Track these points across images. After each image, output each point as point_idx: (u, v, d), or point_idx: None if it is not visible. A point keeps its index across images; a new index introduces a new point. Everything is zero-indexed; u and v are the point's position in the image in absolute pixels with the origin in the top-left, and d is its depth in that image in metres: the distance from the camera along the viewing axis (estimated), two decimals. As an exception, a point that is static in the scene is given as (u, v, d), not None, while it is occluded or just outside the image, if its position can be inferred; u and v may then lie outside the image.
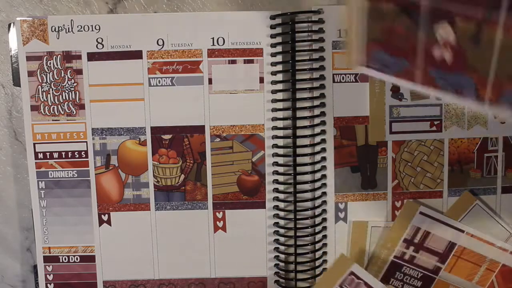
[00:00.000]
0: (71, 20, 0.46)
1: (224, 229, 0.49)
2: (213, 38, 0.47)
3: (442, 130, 0.48)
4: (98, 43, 0.47)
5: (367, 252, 0.49)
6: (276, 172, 0.48)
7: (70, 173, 0.48)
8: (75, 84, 0.47)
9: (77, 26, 0.46)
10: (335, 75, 0.47)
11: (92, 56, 0.47)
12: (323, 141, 0.47)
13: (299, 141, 0.47)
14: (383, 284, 0.46)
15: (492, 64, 0.28)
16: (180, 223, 0.49)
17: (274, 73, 0.47)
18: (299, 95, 0.47)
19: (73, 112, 0.48)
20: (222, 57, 0.47)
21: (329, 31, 0.46)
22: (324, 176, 0.48)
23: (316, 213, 0.48)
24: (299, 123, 0.47)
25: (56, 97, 0.47)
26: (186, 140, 0.48)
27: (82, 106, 0.48)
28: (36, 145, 0.48)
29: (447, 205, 0.49)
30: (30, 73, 0.47)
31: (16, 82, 0.48)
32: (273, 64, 0.47)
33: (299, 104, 0.47)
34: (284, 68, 0.47)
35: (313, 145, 0.47)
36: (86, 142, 0.48)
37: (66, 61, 0.47)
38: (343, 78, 0.47)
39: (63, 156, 0.48)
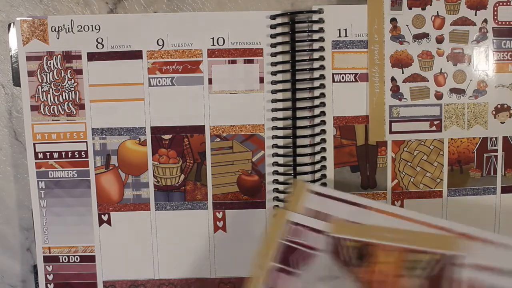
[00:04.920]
0: (71, 20, 0.46)
1: (224, 229, 0.49)
2: (213, 38, 0.47)
3: (442, 130, 0.48)
4: (98, 43, 0.47)
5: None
6: (276, 172, 0.48)
7: (70, 173, 0.48)
8: (75, 84, 0.47)
9: (77, 26, 0.46)
10: (335, 75, 0.47)
11: (92, 56, 0.47)
12: (323, 140, 0.48)
13: (299, 141, 0.47)
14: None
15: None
16: (180, 223, 0.49)
17: (274, 73, 0.47)
18: (299, 95, 0.47)
19: (73, 112, 0.48)
20: (222, 57, 0.47)
21: (329, 31, 0.46)
22: (324, 176, 0.48)
23: (316, 213, 0.48)
24: (299, 123, 0.47)
25: (56, 97, 0.47)
26: (186, 140, 0.48)
27: (82, 106, 0.48)
28: (36, 145, 0.48)
29: (447, 205, 0.49)
30: (30, 73, 0.47)
31: (16, 82, 0.47)
32: (273, 64, 0.47)
33: (299, 104, 0.47)
34: (284, 68, 0.47)
35: (313, 145, 0.47)
36: (86, 142, 0.48)
37: (66, 61, 0.47)
38: (342, 77, 0.47)
39: (63, 156, 0.48)
